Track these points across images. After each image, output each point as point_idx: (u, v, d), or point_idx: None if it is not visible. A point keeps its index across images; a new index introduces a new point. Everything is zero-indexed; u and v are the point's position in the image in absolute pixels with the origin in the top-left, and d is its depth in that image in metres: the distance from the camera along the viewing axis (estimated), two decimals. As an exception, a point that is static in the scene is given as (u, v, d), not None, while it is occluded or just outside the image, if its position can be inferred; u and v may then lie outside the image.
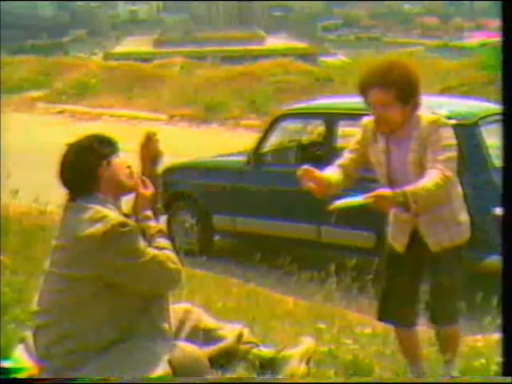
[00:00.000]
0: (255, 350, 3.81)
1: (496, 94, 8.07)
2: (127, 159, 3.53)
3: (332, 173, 3.85)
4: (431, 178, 3.60)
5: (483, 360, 4.04)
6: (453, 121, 6.17)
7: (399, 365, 4.06)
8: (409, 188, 3.57)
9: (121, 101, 18.37)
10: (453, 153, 3.70)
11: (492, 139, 6.07)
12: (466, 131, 6.25)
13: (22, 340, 3.59)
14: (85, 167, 3.41)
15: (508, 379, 3.04)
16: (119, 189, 3.47)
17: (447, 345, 3.96)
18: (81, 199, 3.40)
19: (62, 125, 16.44)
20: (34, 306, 3.48)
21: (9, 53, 42.69)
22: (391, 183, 3.77)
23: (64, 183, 3.45)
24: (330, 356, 4.08)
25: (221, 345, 3.73)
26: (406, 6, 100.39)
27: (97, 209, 3.33)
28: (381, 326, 4.52)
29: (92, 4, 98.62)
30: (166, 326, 3.48)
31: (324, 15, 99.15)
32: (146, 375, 3.25)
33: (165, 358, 3.30)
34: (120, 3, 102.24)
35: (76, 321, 3.32)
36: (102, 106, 18.02)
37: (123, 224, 3.31)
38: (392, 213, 3.91)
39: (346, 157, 3.96)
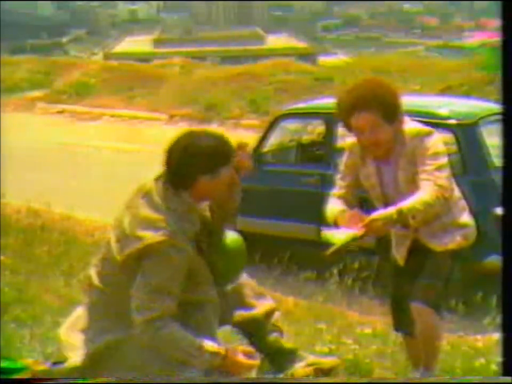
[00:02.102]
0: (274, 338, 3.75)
1: (496, 94, 8.10)
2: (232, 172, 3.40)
3: (341, 207, 3.76)
4: (425, 191, 3.56)
5: (483, 360, 4.04)
6: (453, 121, 6.26)
7: (399, 365, 4.06)
8: (404, 204, 3.55)
9: (121, 101, 18.34)
10: (442, 161, 3.65)
11: (492, 139, 6.06)
12: (467, 131, 6.24)
13: (74, 316, 3.53)
14: (187, 170, 3.27)
15: (508, 379, 3.03)
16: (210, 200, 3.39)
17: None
18: (172, 188, 3.27)
19: (62, 125, 16.43)
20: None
21: (9, 52, 42.71)
22: (387, 204, 3.70)
23: (164, 165, 3.31)
24: (331, 355, 4.08)
25: (249, 314, 3.73)
26: (406, 6, 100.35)
27: (165, 217, 3.19)
28: (381, 326, 4.53)
29: (92, 3, 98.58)
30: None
31: (324, 15, 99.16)
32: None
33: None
34: (120, 3, 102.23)
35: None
36: (102, 106, 17.98)
37: (163, 248, 3.18)
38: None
39: (341, 186, 3.88)
